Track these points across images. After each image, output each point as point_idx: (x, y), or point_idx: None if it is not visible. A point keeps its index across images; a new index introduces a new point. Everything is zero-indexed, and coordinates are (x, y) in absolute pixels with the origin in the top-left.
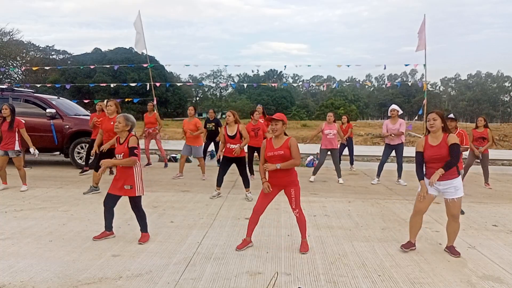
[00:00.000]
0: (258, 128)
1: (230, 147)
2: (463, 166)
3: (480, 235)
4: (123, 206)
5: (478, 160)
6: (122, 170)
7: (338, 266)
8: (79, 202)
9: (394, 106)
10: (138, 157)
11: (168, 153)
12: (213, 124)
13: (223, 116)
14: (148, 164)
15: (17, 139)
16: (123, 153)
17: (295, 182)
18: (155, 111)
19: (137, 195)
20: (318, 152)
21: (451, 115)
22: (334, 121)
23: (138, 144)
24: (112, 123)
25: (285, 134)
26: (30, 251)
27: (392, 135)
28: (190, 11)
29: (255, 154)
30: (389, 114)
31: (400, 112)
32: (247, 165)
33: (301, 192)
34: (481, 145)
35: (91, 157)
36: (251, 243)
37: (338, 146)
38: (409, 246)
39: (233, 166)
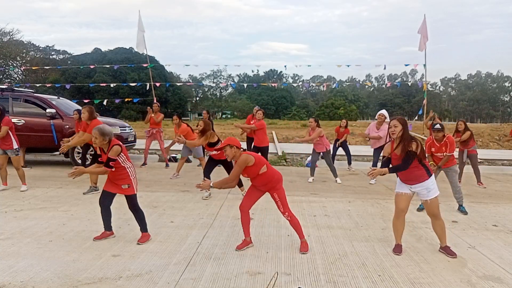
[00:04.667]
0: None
1: (213, 153)
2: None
3: (480, 235)
4: (123, 206)
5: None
6: (115, 174)
7: (338, 266)
8: (79, 202)
9: (383, 112)
10: (117, 165)
11: (168, 153)
12: None
13: (223, 116)
14: (144, 164)
15: (12, 137)
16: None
17: (276, 187)
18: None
19: (135, 192)
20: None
21: (437, 126)
22: (318, 126)
23: (119, 154)
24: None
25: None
26: (30, 251)
27: (369, 139)
28: (190, 12)
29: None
30: (375, 118)
31: (388, 120)
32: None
33: (301, 192)
34: (465, 146)
35: (90, 157)
36: (251, 244)
37: (331, 147)
38: (399, 249)
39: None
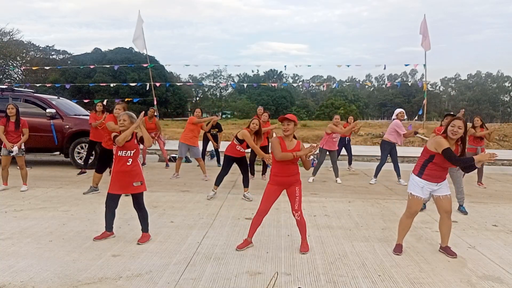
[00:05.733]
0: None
1: (240, 150)
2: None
3: (480, 235)
4: (123, 206)
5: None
6: (131, 168)
7: (338, 266)
8: (79, 202)
9: (401, 110)
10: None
11: (168, 153)
12: (216, 130)
13: (223, 116)
14: (143, 164)
15: (22, 138)
16: (135, 149)
17: (299, 181)
18: (155, 117)
19: (146, 189)
20: (318, 152)
21: (451, 112)
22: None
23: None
24: None
25: (294, 137)
26: (30, 251)
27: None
28: (190, 12)
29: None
30: (398, 117)
31: (405, 118)
32: (248, 165)
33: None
34: (478, 144)
35: (90, 157)
36: (251, 244)
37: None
38: (400, 249)
39: (234, 166)
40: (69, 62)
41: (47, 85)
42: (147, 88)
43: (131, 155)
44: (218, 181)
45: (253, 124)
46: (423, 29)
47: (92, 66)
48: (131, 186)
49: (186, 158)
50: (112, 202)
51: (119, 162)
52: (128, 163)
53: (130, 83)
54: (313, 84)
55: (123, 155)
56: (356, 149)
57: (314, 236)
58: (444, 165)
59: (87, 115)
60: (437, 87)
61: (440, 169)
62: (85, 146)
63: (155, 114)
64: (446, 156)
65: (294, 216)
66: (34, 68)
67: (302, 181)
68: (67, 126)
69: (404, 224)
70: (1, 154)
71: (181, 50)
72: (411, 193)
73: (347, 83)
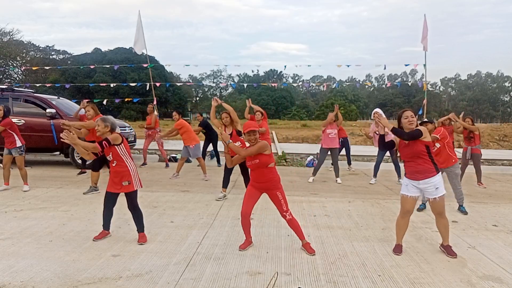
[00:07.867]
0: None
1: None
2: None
3: (480, 235)
4: (123, 206)
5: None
6: (116, 169)
7: (338, 266)
8: (79, 202)
9: (377, 110)
10: (108, 149)
11: (168, 153)
12: (205, 131)
13: None
14: (144, 164)
15: (15, 136)
16: (110, 153)
17: (278, 186)
18: (155, 113)
19: (135, 189)
20: (318, 152)
21: (425, 119)
22: (334, 121)
23: (119, 140)
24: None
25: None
26: (30, 251)
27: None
28: (189, 12)
29: None
30: (372, 117)
31: (383, 116)
32: None
33: (301, 192)
34: (470, 144)
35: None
36: (252, 243)
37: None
38: (400, 249)
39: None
40: (69, 62)
41: (47, 85)
42: (147, 88)
43: (111, 159)
44: (225, 183)
45: (223, 119)
46: (424, 29)
47: (92, 66)
48: (120, 185)
49: (187, 159)
50: (108, 200)
51: (110, 163)
52: (113, 164)
53: (130, 83)
54: (313, 84)
55: (108, 158)
56: (356, 149)
57: (314, 236)
58: (405, 151)
59: None
60: (437, 87)
61: (408, 159)
62: None
63: (155, 112)
64: (395, 133)
65: (285, 218)
66: (34, 68)
67: (302, 181)
68: None
69: (400, 224)
70: (3, 154)
71: (181, 50)
72: (400, 192)
73: (347, 83)
